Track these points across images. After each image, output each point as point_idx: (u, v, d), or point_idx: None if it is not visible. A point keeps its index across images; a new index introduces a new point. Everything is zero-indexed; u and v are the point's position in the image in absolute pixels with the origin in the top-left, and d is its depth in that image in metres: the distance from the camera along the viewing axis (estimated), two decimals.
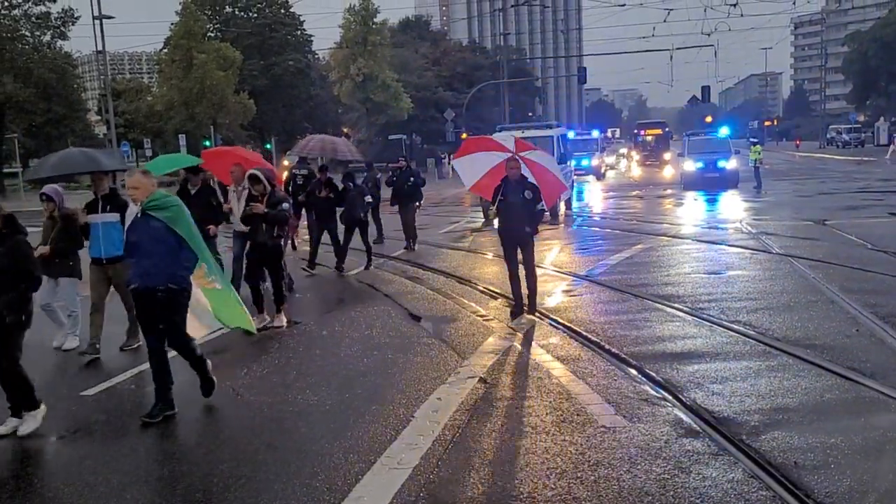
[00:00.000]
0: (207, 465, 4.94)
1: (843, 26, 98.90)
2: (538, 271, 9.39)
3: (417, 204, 15.87)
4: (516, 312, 8.67)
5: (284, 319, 8.89)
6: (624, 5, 44.15)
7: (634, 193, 29.29)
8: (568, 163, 22.58)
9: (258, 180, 8.65)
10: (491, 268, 12.86)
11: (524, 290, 8.83)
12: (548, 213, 19.23)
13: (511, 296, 8.99)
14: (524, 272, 8.78)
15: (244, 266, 9.55)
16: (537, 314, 8.72)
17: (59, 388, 6.76)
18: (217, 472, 4.79)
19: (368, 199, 12.84)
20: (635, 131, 58.21)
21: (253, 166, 9.37)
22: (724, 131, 33.36)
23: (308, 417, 5.71)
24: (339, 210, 12.59)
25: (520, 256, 8.80)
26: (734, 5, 37.24)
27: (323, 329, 8.75)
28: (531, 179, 8.68)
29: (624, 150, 60.94)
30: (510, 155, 8.76)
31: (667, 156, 46.99)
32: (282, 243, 9.42)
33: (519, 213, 8.50)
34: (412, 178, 15.60)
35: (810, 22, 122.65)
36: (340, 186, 12.47)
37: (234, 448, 5.23)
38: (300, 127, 71.07)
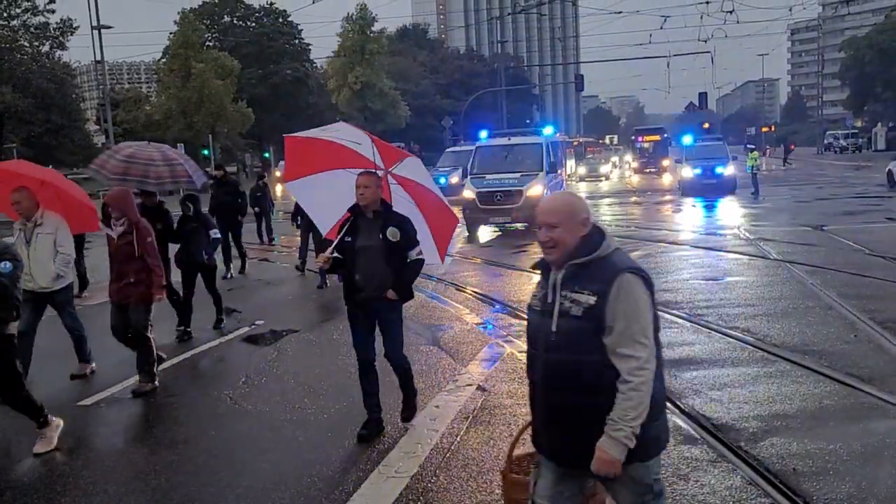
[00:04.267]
0: (205, 474, 4.92)
1: (839, 32, 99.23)
2: (535, 277, 9.06)
3: (239, 217, 13.80)
4: (367, 432, 5.32)
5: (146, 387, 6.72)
6: (620, 13, 44.31)
7: (633, 200, 29.32)
8: (559, 171, 20.67)
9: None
10: (488, 274, 12.87)
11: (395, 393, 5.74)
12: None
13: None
14: (390, 365, 5.51)
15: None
16: None
17: (58, 398, 6.74)
18: (214, 481, 4.77)
19: (215, 233, 9.06)
20: (633, 138, 58.11)
21: (56, 191, 6.95)
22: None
23: (306, 426, 5.70)
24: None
25: (379, 345, 5.47)
26: (730, 12, 37.39)
27: (320, 337, 8.73)
28: (404, 210, 5.41)
29: (616, 159, 60.25)
30: (367, 169, 5.27)
31: (665, 162, 46.96)
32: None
33: (376, 265, 5.09)
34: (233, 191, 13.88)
35: (807, 28, 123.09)
36: (190, 210, 8.92)
37: (232, 457, 5.21)
38: None
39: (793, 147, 68.90)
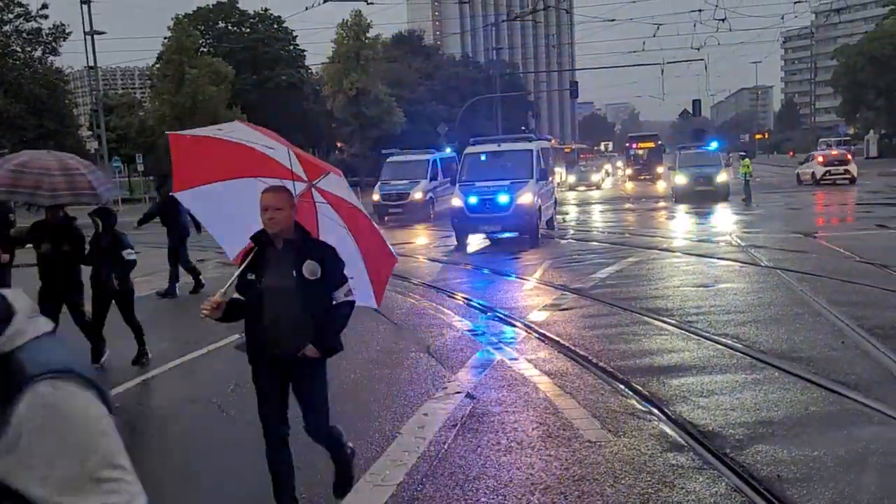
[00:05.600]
0: (192, 482, 4.92)
1: (832, 40, 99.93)
2: (527, 284, 9.09)
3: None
4: None
5: None
6: (613, 20, 44.55)
7: (626, 206, 29.41)
8: (549, 178, 20.53)
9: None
10: (479, 280, 12.89)
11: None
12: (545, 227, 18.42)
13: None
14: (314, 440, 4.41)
15: None
16: (525, 328, 8.71)
17: None
18: (201, 489, 4.77)
19: (130, 254, 7.70)
20: (627, 144, 58.06)
21: None
22: (712, 144, 33.28)
23: (293, 434, 5.67)
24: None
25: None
26: (722, 20, 37.60)
27: None
28: (333, 236, 4.26)
29: (608, 166, 60.02)
30: (276, 184, 4.09)
31: (660, 169, 47.01)
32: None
33: (289, 312, 3.93)
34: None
35: (799, 36, 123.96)
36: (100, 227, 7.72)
37: (218, 466, 5.21)
38: (293, 141, 71.14)
39: (791, 154, 69.33)
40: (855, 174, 34.07)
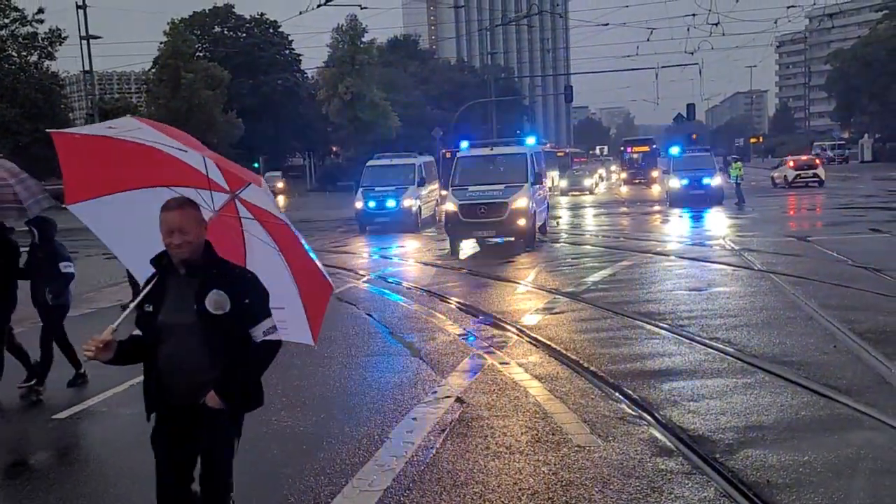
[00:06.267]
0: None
1: (826, 45, 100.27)
2: (520, 288, 9.02)
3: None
4: None
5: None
6: (607, 25, 44.64)
7: (621, 210, 29.44)
8: (543, 182, 20.31)
9: None
10: (471, 285, 12.85)
11: None
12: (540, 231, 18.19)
13: None
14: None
15: None
16: (516, 332, 8.68)
17: (31, 411, 6.68)
18: None
19: (67, 266, 7.12)
20: (622, 148, 58.09)
21: None
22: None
23: (281, 439, 5.65)
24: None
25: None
26: (716, 24, 37.80)
27: (301, 348, 8.64)
28: (263, 259, 3.62)
29: (602, 170, 59.92)
30: (179, 197, 3.36)
31: (655, 173, 47.02)
32: None
33: (189, 354, 3.24)
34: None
35: (793, 41, 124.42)
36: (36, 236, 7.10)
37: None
38: (289, 145, 71.25)
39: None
40: (823, 177, 36.64)
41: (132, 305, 3.34)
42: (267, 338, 3.26)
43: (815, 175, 36.61)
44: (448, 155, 28.69)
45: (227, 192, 3.48)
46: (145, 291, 3.28)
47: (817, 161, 38.77)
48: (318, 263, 3.64)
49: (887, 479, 4.50)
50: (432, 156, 31.19)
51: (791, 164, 38.32)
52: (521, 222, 16.52)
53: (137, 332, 3.33)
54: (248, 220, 3.59)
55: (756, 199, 29.02)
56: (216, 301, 3.18)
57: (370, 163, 26.55)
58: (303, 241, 3.57)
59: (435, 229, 23.05)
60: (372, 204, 24.05)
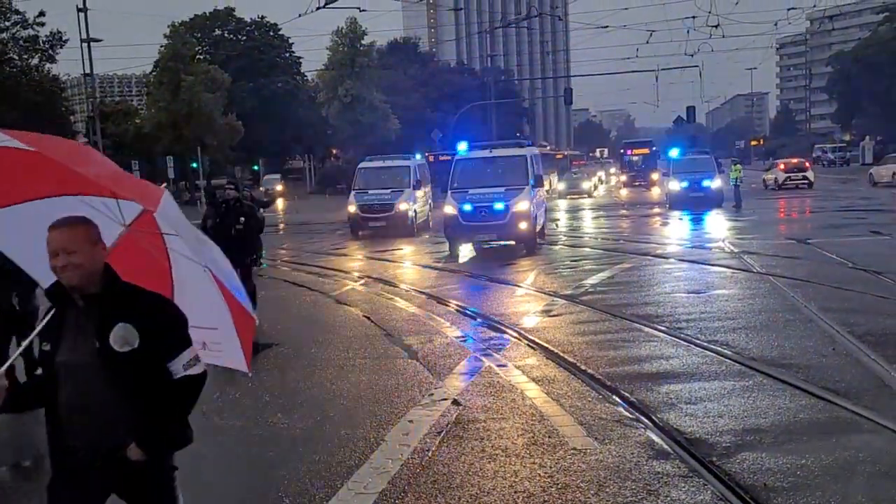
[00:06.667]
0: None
1: (826, 47, 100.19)
2: (518, 290, 8.93)
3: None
4: None
5: None
6: (607, 27, 44.69)
7: (621, 213, 29.42)
8: (543, 185, 20.10)
9: None
10: (470, 287, 12.83)
11: None
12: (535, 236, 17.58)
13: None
14: None
15: None
16: (514, 334, 8.65)
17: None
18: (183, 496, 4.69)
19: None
20: (622, 151, 57.99)
21: None
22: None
23: (277, 442, 5.63)
24: None
25: None
26: (715, 26, 37.75)
27: (298, 351, 8.66)
28: (193, 279, 3.10)
29: (601, 173, 59.79)
30: (72, 216, 2.78)
31: (655, 176, 46.96)
32: None
33: (94, 398, 2.71)
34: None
35: (794, 43, 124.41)
36: None
37: (198, 473, 5.12)
38: (289, 148, 71.26)
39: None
40: (812, 179, 37.70)
41: (24, 344, 2.89)
42: (188, 372, 2.75)
43: (805, 178, 37.50)
44: (431, 159, 28.09)
45: (139, 205, 2.91)
46: (39, 327, 2.78)
47: (807, 164, 39.85)
48: (238, 296, 3.15)
49: (886, 482, 4.47)
50: None
51: (781, 166, 39.35)
52: (523, 226, 16.34)
53: (41, 371, 2.84)
54: (171, 236, 3.04)
55: (755, 202, 28.99)
56: (122, 336, 2.68)
57: (362, 165, 25.38)
58: (219, 269, 3.08)
59: (430, 234, 22.53)
60: (365, 208, 22.65)
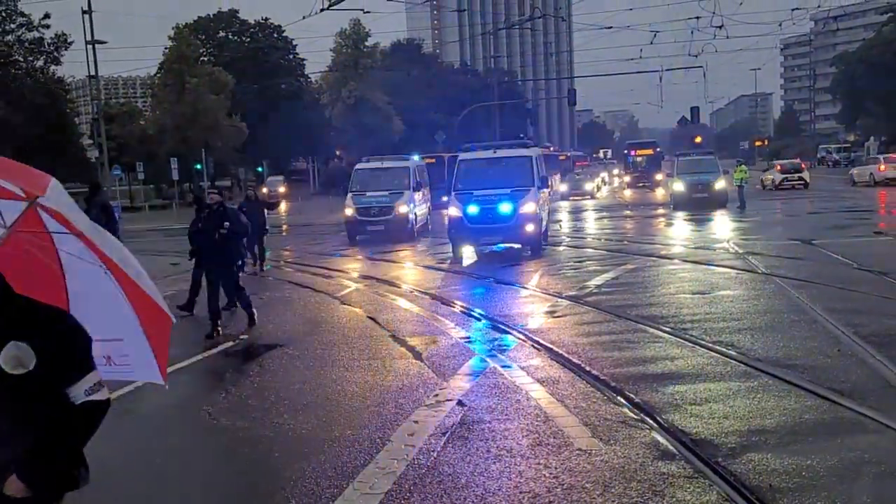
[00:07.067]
0: (180, 490, 4.87)
1: (831, 47, 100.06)
2: (522, 291, 8.91)
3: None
4: None
5: None
6: (611, 28, 44.63)
7: (625, 214, 29.41)
8: (548, 186, 19.73)
9: None
10: (475, 289, 12.84)
11: None
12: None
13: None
14: None
15: None
16: (519, 335, 8.66)
17: None
18: (188, 497, 4.72)
19: None
20: (625, 151, 57.73)
21: None
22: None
23: (282, 442, 5.64)
24: None
25: None
26: (720, 27, 37.72)
27: (304, 352, 8.67)
28: (91, 285, 2.76)
29: (604, 174, 59.64)
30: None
31: (658, 176, 46.84)
32: None
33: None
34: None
35: (798, 43, 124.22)
36: None
37: (205, 474, 5.16)
38: (293, 150, 71.36)
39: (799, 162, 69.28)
40: (808, 180, 38.61)
41: None
42: (91, 397, 2.43)
43: (801, 178, 38.30)
44: (426, 160, 27.63)
45: (21, 198, 2.46)
46: None
47: (803, 165, 40.71)
48: (152, 293, 2.82)
49: (891, 483, 4.47)
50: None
51: (778, 167, 40.21)
52: (530, 228, 16.09)
53: None
54: (61, 234, 2.63)
55: (758, 203, 28.95)
56: (14, 357, 2.35)
57: (359, 166, 24.35)
58: (130, 265, 2.73)
59: (430, 237, 22.01)
60: (363, 211, 21.56)
